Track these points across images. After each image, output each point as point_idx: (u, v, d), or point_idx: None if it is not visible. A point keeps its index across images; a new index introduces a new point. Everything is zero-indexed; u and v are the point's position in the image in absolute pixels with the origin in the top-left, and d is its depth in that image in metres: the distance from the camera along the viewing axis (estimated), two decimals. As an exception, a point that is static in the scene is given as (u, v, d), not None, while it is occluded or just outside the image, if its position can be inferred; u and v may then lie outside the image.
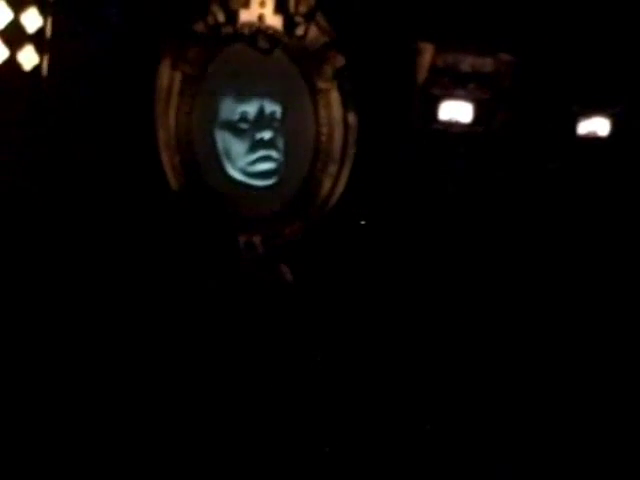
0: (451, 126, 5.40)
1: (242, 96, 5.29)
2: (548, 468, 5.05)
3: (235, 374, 5.14)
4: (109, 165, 5.23)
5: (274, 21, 5.37)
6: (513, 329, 5.23)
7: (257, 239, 5.37)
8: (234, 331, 5.21)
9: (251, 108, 5.27)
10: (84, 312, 5.11)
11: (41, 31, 5.22)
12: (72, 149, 5.22)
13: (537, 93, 5.35)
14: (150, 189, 5.25)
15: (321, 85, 5.40)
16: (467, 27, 5.31)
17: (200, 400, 5.06)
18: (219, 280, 5.29)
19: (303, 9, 5.36)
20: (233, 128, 5.30)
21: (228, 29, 5.36)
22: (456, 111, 5.41)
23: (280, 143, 5.28)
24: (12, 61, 5.15)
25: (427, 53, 5.38)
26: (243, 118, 5.29)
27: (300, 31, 5.37)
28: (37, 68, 5.23)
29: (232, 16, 5.36)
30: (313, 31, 5.38)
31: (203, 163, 5.34)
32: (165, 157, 5.32)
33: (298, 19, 5.37)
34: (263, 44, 5.37)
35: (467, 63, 5.39)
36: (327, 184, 5.41)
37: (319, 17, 5.38)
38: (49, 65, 5.23)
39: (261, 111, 5.26)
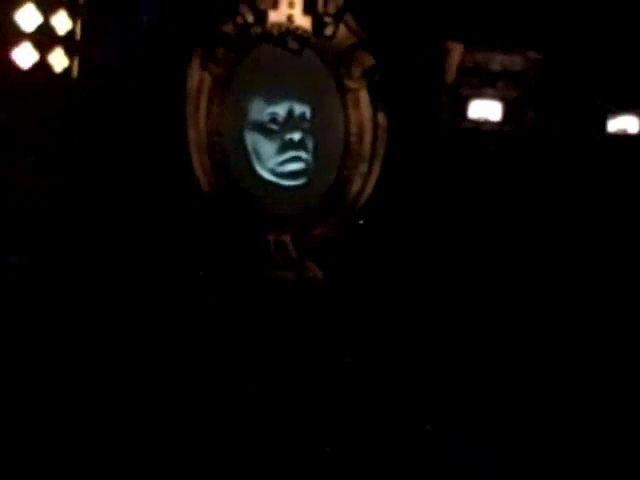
0: (481, 125, 5.40)
1: (272, 97, 5.29)
2: (549, 468, 5.05)
3: (250, 372, 5.16)
4: (140, 166, 5.25)
5: (303, 21, 5.38)
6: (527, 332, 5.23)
7: (287, 238, 5.38)
8: (263, 330, 5.22)
9: (281, 109, 5.28)
10: (117, 311, 5.14)
11: (71, 33, 5.25)
12: (103, 150, 5.24)
13: (566, 90, 5.34)
14: (181, 189, 5.27)
15: (350, 85, 5.41)
16: (495, 26, 5.30)
17: (207, 399, 5.08)
18: (250, 280, 5.31)
19: (332, 9, 5.37)
20: (263, 129, 5.32)
21: (257, 30, 5.38)
22: (485, 110, 5.40)
23: (309, 143, 5.30)
24: (43, 63, 5.18)
25: (456, 52, 5.38)
26: (273, 119, 5.30)
27: (329, 31, 5.37)
28: (67, 70, 5.26)
29: (261, 17, 5.38)
30: (342, 31, 5.39)
31: (233, 163, 5.36)
32: (195, 157, 5.34)
33: (327, 19, 5.37)
34: (292, 44, 5.38)
35: (496, 62, 5.39)
36: (357, 183, 5.42)
37: (348, 17, 5.39)
38: (79, 67, 5.25)
39: (291, 112, 5.28)
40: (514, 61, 5.38)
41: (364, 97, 5.42)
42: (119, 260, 5.13)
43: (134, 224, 5.21)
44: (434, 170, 5.36)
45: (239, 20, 5.37)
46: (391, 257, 5.33)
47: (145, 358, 5.05)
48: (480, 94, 5.39)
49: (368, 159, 5.43)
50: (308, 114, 5.30)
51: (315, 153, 5.36)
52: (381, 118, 5.41)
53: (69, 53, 5.27)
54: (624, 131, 5.38)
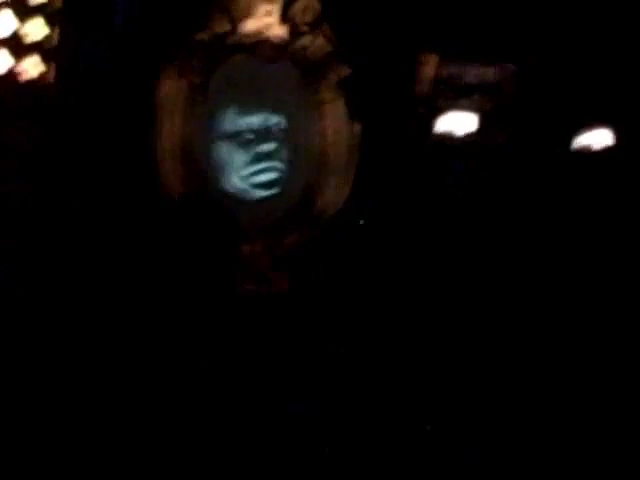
0: (456, 136, 5.39)
1: (246, 107, 5.30)
2: (550, 469, 5.05)
3: (233, 380, 5.16)
4: (112, 174, 5.26)
5: (279, 30, 5.38)
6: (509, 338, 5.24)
7: (258, 248, 5.38)
8: (234, 341, 5.23)
9: (255, 120, 5.29)
10: (83, 320, 5.15)
11: (47, 40, 5.26)
12: (77, 157, 5.25)
13: (540, 103, 5.33)
14: (153, 198, 5.27)
15: (326, 95, 5.40)
16: (470, 38, 5.29)
17: (199, 404, 5.09)
18: (220, 290, 5.32)
19: (308, 19, 5.36)
20: (237, 139, 5.32)
21: (233, 38, 5.37)
22: (461, 121, 5.40)
23: (283, 153, 5.30)
24: (18, 69, 5.18)
25: (431, 64, 5.38)
26: (247, 129, 5.30)
27: (305, 41, 5.36)
28: (44, 76, 5.26)
29: (236, 25, 5.37)
30: (318, 41, 5.37)
31: (206, 173, 5.36)
32: (168, 167, 5.35)
33: (303, 29, 5.36)
34: (268, 53, 5.37)
35: (471, 74, 5.38)
36: (330, 194, 5.41)
37: (324, 27, 5.38)
38: (55, 73, 5.27)
39: (265, 123, 5.28)
40: (489, 73, 5.37)
41: (339, 107, 5.42)
42: (87, 269, 5.14)
43: (105, 233, 5.22)
44: (407, 181, 5.35)
45: (215, 29, 5.36)
46: (362, 267, 5.33)
47: (107, 369, 5.07)
48: (455, 106, 5.39)
49: (342, 170, 5.42)
50: (283, 124, 5.30)
51: (288, 164, 5.35)
52: (356, 128, 5.41)
53: (45, 59, 5.28)
54: (597, 145, 5.37)
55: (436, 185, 5.41)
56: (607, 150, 5.37)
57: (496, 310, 5.34)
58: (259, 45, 5.39)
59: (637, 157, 5.38)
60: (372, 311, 5.29)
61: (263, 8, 5.39)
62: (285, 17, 5.39)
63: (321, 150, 5.45)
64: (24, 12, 5.27)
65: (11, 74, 5.21)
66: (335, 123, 5.45)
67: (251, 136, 5.33)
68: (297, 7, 5.38)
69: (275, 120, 5.31)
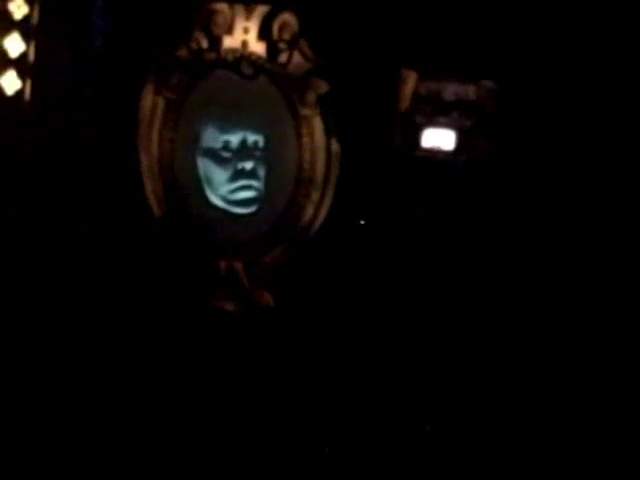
0: (434, 153, 5.40)
1: (225, 124, 5.29)
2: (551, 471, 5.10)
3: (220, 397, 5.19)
4: (91, 191, 5.25)
5: (257, 47, 5.37)
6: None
7: (238, 265, 5.39)
8: (215, 356, 5.25)
9: (234, 138, 5.28)
10: (67, 336, 5.16)
11: (24, 56, 5.23)
12: (54, 174, 5.24)
13: (518, 120, 5.34)
14: (133, 215, 5.28)
15: (304, 112, 5.40)
16: (450, 55, 5.28)
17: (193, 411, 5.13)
18: (199, 305, 5.33)
19: (286, 36, 5.35)
20: (215, 156, 5.32)
21: (211, 55, 5.36)
22: (439, 138, 5.40)
23: (261, 172, 5.30)
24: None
25: (410, 81, 5.37)
26: (225, 147, 5.31)
27: (283, 58, 5.36)
28: (19, 93, 5.24)
29: (215, 42, 5.36)
30: (296, 58, 5.37)
31: (185, 189, 5.38)
32: (147, 183, 5.35)
33: (281, 46, 5.35)
34: (246, 70, 5.36)
35: (450, 91, 5.38)
36: (309, 211, 5.42)
37: (302, 44, 5.36)
38: (31, 90, 5.24)
39: (244, 141, 5.28)
40: (468, 90, 5.37)
41: (318, 124, 5.41)
42: (71, 286, 5.15)
43: (86, 250, 5.22)
44: (386, 198, 5.36)
45: (193, 45, 5.35)
46: (343, 284, 5.35)
47: (91, 380, 5.09)
48: (434, 123, 5.38)
49: (321, 186, 5.42)
50: (261, 143, 5.30)
51: (267, 181, 5.35)
52: (334, 145, 5.40)
53: (21, 76, 5.26)
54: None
55: (416, 200, 5.42)
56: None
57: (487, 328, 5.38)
58: (237, 62, 5.37)
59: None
60: (355, 325, 5.31)
61: (241, 25, 5.37)
62: (263, 34, 5.37)
63: (299, 167, 5.44)
64: (0, 28, 5.21)
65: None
66: (313, 140, 5.45)
67: (229, 154, 5.33)
68: (275, 24, 5.36)
69: (253, 139, 5.31)
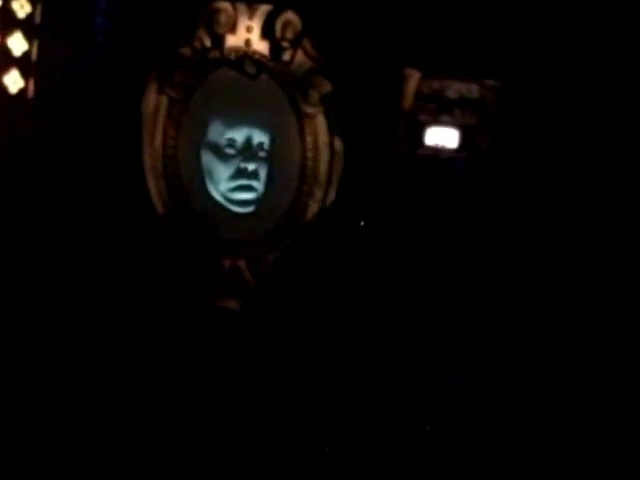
0: (437, 151, 5.41)
1: (231, 121, 5.30)
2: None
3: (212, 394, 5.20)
4: (95, 189, 5.25)
5: (260, 46, 5.38)
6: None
7: (242, 263, 5.40)
8: (219, 354, 5.25)
9: (239, 136, 5.29)
10: (70, 335, 5.15)
11: (27, 55, 5.22)
12: (58, 173, 5.23)
13: (521, 118, 5.37)
14: (136, 213, 5.27)
15: (307, 110, 5.41)
16: (453, 54, 5.31)
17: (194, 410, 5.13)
18: (203, 304, 5.33)
19: (290, 34, 5.36)
20: (219, 152, 5.33)
21: (214, 54, 5.37)
22: (442, 137, 5.42)
23: (262, 173, 5.31)
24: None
25: (413, 79, 5.39)
26: (230, 144, 5.31)
27: (287, 56, 5.37)
28: (23, 92, 5.24)
29: (219, 41, 5.36)
30: (299, 56, 5.38)
31: (188, 185, 5.38)
32: (151, 181, 5.35)
33: (285, 44, 5.37)
34: (250, 69, 5.37)
35: (453, 89, 5.40)
36: (312, 209, 5.43)
37: (305, 43, 5.38)
38: (34, 88, 5.24)
39: (249, 140, 5.28)
40: (471, 89, 5.39)
41: (321, 122, 5.43)
42: (69, 283, 5.14)
43: (89, 248, 5.21)
44: (390, 196, 5.38)
45: (197, 44, 5.36)
46: (347, 281, 5.36)
47: (92, 379, 5.08)
48: (437, 121, 5.41)
49: (324, 184, 5.43)
50: (266, 145, 5.31)
51: (270, 179, 5.36)
52: (338, 144, 5.42)
53: (25, 74, 5.25)
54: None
55: (419, 198, 5.43)
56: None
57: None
58: (240, 60, 5.37)
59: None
60: (360, 322, 5.32)
61: (244, 24, 5.38)
62: (266, 33, 5.38)
63: (302, 165, 5.45)
64: (3, 27, 5.21)
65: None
66: (316, 138, 5.46)
67: (232, 151, 5.33)
68: (278, 23, 5.37)
69: (259, 140, 5.31)
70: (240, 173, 5.29)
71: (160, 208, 5.33)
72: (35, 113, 5.25)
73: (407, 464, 5.12)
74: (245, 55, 5.35)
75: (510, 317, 5.38)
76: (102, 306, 5.21)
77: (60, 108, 5.25)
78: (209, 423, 5.16)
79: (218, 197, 5.36)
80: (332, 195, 5.47)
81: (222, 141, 5.31)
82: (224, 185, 5.32)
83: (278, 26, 5.35)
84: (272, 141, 5.31)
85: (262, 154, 5.30)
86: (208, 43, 5.34)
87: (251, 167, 5.27)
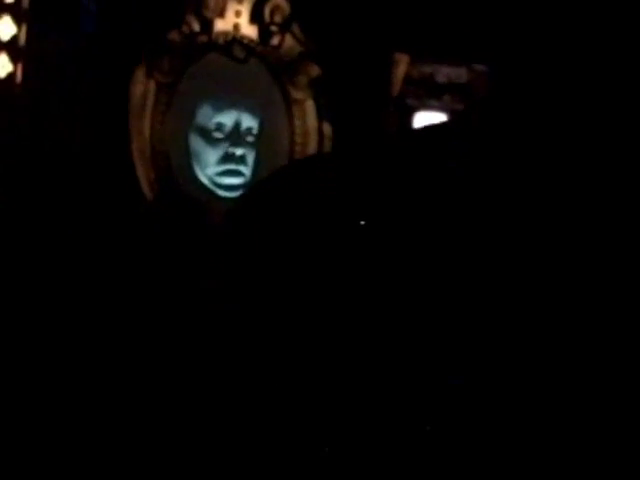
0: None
1: (220, 106, 5.29)
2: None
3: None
4: (83, 174, 5.25)
5: (249, 30, 5.37)
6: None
7: (231, 248, 5.39)
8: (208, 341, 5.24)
9: (228, 120, 5.28)
10: (59, 323, 5.14)
11: (15, 39, 5.22)
12: (46, 158, 5.23)
13: (510, 103, 5.35)
14: (125, 199, 5.27)
15: (296, 95, 5.40)
16: (442, 38, 5.29)
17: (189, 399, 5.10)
18: (191, 289, 5.32)
19: (278, 19, 5.35)
20: (207, 135, 5.32)
21: (203, 38, 5.36)
22: (431, 121, 5.40)
23: (250, 158, 5.30)
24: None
25: (402, 64, 5.38)
26: (218, 128, 5.30)
27: (275, 41, 5.36)
28: (11, 76, 5.23)
29: (207, 25, 5.36)
30: (288, 41, 5.37)
31: (176, 169, 5.37)
32: (139, 166, 5.34)
33: (273, 29, 5.36)
34: (238, 53, 5.37)
35: (442, 74, 5.39)
36: (302, 193, 5.42)
37: (294, 27, 5.37)
38: (23, 73, 5.24)
39: (237, 125, 5.27)
40: (460, 73, 5.38)
41: (310, 107, 5.42)
42: (58, 272, 5.13)
43: (77, 235, 5.21)
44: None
45: (185, 29, 5.35)
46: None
47: (87, 370, 5.07)
48: (426, 106, 5.40)
49: (313, 169, 5.42)
50: (255, 129, 5.30)
51: (258, 164, 5.36)
52: (326, 128, 5.41)
53: (13, 59, 5.25)
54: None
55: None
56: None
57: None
58: (229, 45, 5.37)
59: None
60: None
61: (233, 8, 5.37)
62: (255, 17, 5.37)
63: (291, 149, 5.45)
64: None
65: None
66: (305, 123, 5.45)
67: (221, 135, 5.33)
68: (267, 8, 5.36)
69: (247, 124, 5.30)
70: (228, 158, 5.28)
71: (148, 193, 5.31)
72: (23, 97, 5.23)
73: (407, 464, 5.11)
74: (234, 40, 5.34)
75: (512, 312, 5.38)
76: (92, 292, 5.20)
77: (48, 92, 5.23)
78: (209, 421, 5.15)
79: (206, 181, 5.36)
80: (321, 180, 5.45)
81: (210, 125, 5.31)
82: (212, 169, 5.32)
83: (267, 11, 5.34)
84: (260, 126, 5.30)
85: (250, 139, 5.29)
86: (197, 28, 5.33)
87: (239, 152, 5.26)
